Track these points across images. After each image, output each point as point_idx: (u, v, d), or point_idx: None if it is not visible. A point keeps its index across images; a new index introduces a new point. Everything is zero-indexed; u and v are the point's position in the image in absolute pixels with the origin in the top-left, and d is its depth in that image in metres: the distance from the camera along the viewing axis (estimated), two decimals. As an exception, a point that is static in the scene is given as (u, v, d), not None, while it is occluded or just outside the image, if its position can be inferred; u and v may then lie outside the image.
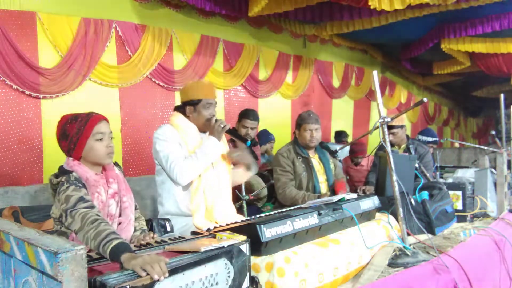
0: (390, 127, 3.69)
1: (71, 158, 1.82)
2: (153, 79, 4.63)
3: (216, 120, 2.52)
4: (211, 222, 2.46)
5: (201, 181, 2.49)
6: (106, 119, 1.87)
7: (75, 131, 1.78)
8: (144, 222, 2.11)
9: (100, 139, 1.80)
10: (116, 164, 2.03)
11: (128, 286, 1.16)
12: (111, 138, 1.87)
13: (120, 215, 1.92)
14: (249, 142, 2.53)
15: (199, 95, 2.53)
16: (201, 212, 2.47)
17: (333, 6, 5.29)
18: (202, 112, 2.54)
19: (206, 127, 2.56)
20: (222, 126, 2.49)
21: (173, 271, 1.26)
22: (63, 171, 1.78)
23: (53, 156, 3.82)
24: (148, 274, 1.22)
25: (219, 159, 2.62)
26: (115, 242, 1.37)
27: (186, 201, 2.50)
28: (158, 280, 1.21)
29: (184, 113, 2.58)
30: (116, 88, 4.34)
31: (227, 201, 2.62)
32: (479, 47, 6.73)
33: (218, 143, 2.48)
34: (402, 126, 3.77)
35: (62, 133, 1.81)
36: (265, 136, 4.77)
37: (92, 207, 1.62)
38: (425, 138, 4.68)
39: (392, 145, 3.79)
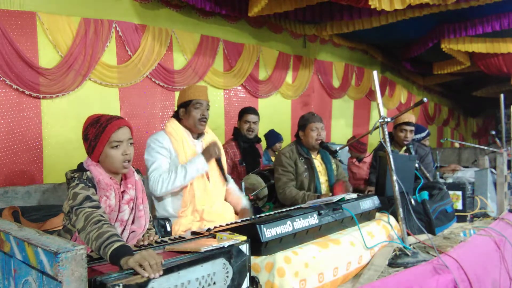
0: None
1: (90, 159, 1.85)
2: (153, 79, 4.63)
3: (215, 145, 2.55)
4: (203, 226, 2.47)
5: (192, 187, 2.52)
6: (127, 124, 1.85)
7: (93, 136, 1.80)
8: (154, 232, 2.10)
9: (116, 147, 1.80)
10: (138, 171, 2.04)
11: (121, 284, 1.16)
12: (131, 144, 1.86)
13: (133, 223, 1.92)
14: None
15: (189, 96, 2.61)
16: (190, 216, 2.49)
17: (333, 6, 5.29)
18: (192, 112, 2.59)
19: (196, 128, 2.60)
20: (217, 153, 2.55)
21: (168, 270, 1.27)
22: (79, 168, 1.82)
23: (53, 156, 3.83)
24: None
25: (212, 167, 2.65)
26: (116, 245, 1.36)
27: (175, 205, 2.53)
28: (152, 278, 1.22)
29: (178, 119, 2.65)
30: (116, 88, 4.34)
31: (219, 206, 2.64)
32: (479, 47, 6.72)
33: (204, 163, 2.50)
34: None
35: (84, 134, 1.84)
36: (274, 136, 4.90)
37: (98, 207, 1.63)
38: (418, 136, 4.71)
39: (399, 145, 3.79)
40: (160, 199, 2.56)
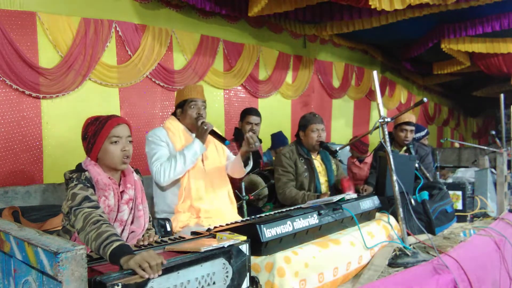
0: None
1: (89, 158, 1.86)
2: (153, 79, 4.63)
3: (202, 122, 2.54)
4: (200, 222, 2.47)
5: (190, 182, 2.51)
6: (126, 122, 1.88)
7: (92, 133, 1.82)
8: (153, 232, 2.09)
9: (115, 142, 1.82)
10: (137, 171, 2.04)
11: (120, 284, 1.16)
12: (130, 142, 1.88)
13: (132, 223, 1.92)
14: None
15: (184, 96, 2.61)
16: (187, 213, 2.49)
17: (333, 6, 5.29)
18: (187, 112, 2.59)
19: (194, 127, 2.59)
20: (205, 127, 2.52)
21: (167, 270, 1.27)
22: (78, 169, 1.83)
23: (53, 156, 3.83)
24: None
25: (212, 161, 2.65)
26: (116, 244, 1.36)
27: (175, 200, 2.53)
28: (152, 278, 1.22)
29: (177, 119, 2.67)
30: (116, 88, 4.34)
31: (222, 202, 2.62)
32: (479, 47, 6.72)
33: (200, 145, 2.50)
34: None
35: (83, 134, 1.86)
36: (280, 140, 4.82)
37: (97, 207, 1.63)
38: (418, 135, 4.72)
39: (399, 145, 3.79)
40: (159, 193, 2.56)
